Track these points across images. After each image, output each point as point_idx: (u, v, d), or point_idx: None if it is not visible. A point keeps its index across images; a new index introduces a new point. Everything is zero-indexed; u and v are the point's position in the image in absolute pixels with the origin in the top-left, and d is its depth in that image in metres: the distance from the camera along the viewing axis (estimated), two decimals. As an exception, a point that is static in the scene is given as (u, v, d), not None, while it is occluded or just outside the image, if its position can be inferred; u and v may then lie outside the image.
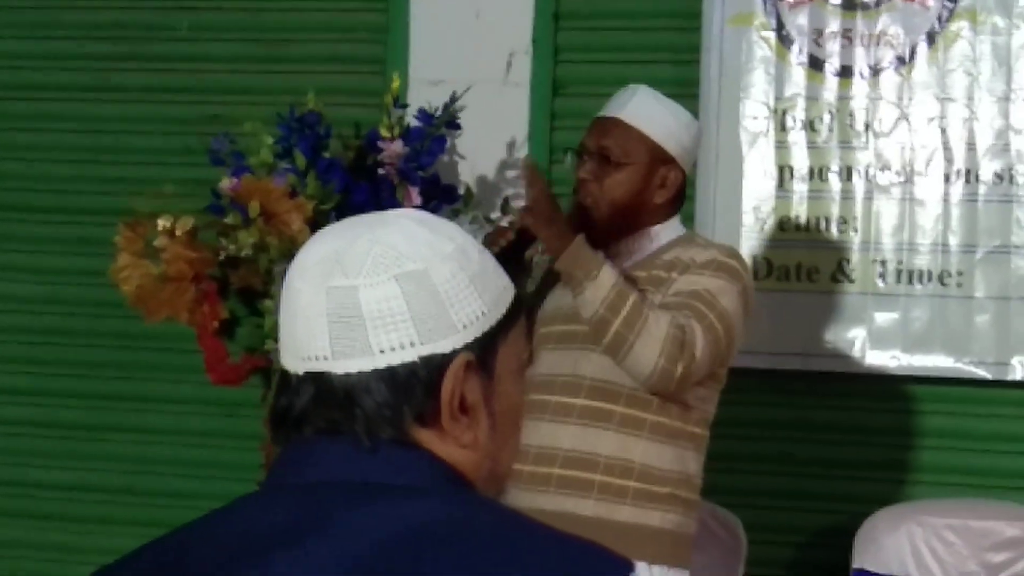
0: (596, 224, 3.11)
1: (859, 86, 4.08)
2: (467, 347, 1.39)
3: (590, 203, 3.13)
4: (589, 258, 2.99)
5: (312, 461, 1.37)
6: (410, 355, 1.36)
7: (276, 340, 3.86)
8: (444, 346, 1.37)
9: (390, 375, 1.36)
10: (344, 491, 1.34)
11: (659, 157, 3.16)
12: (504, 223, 3.29)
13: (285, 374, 1.40)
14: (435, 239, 1.40)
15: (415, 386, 1.37)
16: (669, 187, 3.17)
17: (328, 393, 1.37)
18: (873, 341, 4.07)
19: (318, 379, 1.37)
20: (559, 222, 3.04)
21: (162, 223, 3.87)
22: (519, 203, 3.49)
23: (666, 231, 3.19)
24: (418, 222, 1.42)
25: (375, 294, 1.36)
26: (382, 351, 1.36)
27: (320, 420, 1.37)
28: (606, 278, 2.97)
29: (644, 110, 3.17)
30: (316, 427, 1.38)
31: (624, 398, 3.05)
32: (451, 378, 1.38)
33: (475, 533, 1.31)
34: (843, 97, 4.08)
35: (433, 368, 1.37)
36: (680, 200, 3.22)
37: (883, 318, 4.06)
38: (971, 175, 4.03)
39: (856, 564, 3.82)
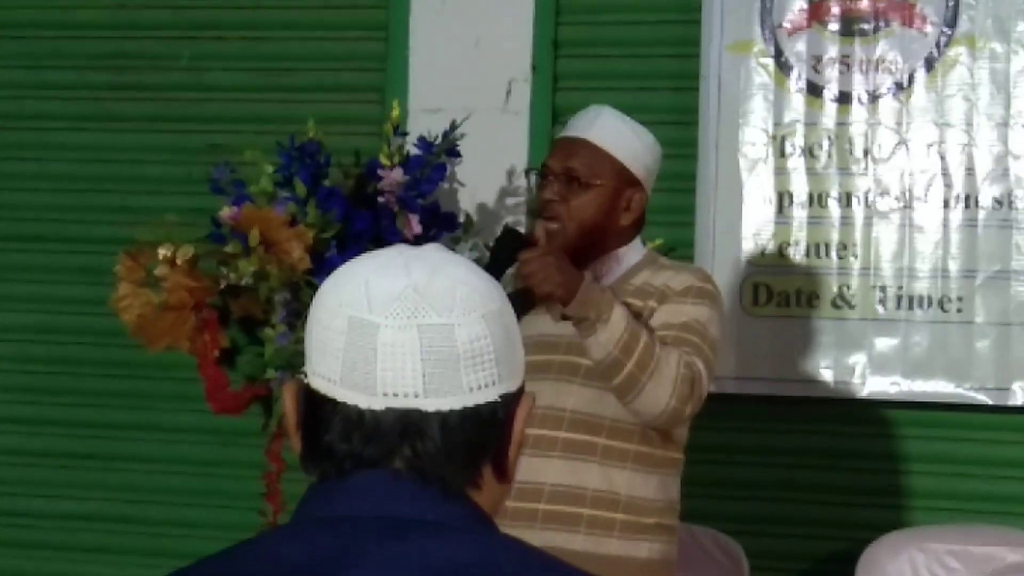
0: (561, 247, 3.04)
1: (858, 112, 4.09)
2: (522, 385, 1.44)
3: (556, 226, 3.07)
4: (599, 299, 2.92)
5: (348, 495, 1.37)
6: (493, 394, 1.39)
7: (277, 369, 3.87)
8: (513, 384, 1.42)
9: (476, 413, 1.38)
10: (374, 526, 1.35)
11: (625, 179, 3.11)
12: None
13: (332, 406, 1.39)
14: (489, 277, 1.44)
15: (495, 425, 1.40)
16: (634, 209, 3.13)
17: (413, 429, 1.37)
18: (873, 367, 4.07)
19: (404, 415, 1.37)
20: (566, 267, 2.95)
21: (163, 252, 3.87)
22: (520, 229, 3.47)
23: (630, 253, 3.15)
24: (460, 258, 1.45)
25: (468, 333, 1.38)
26: (471, 389, 1.38)
27: (378, 454, 1.37)
28: (618, 319, 2.90)
29: (611, 131, 3.13)
30: (359, 460, 1.38)
31: (606, 430, 3.02)
32: (522, 416, 1.43)
33: (503, 575, 1.32)
34: (842, 123, 4.09)
35: (508, 406, 1.41)
36: (642, 222, 3.17)
37: (883, 344, 4.06)
38: (970, 200, 4.03)
39: (858, 590, 3.81)
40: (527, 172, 3.28)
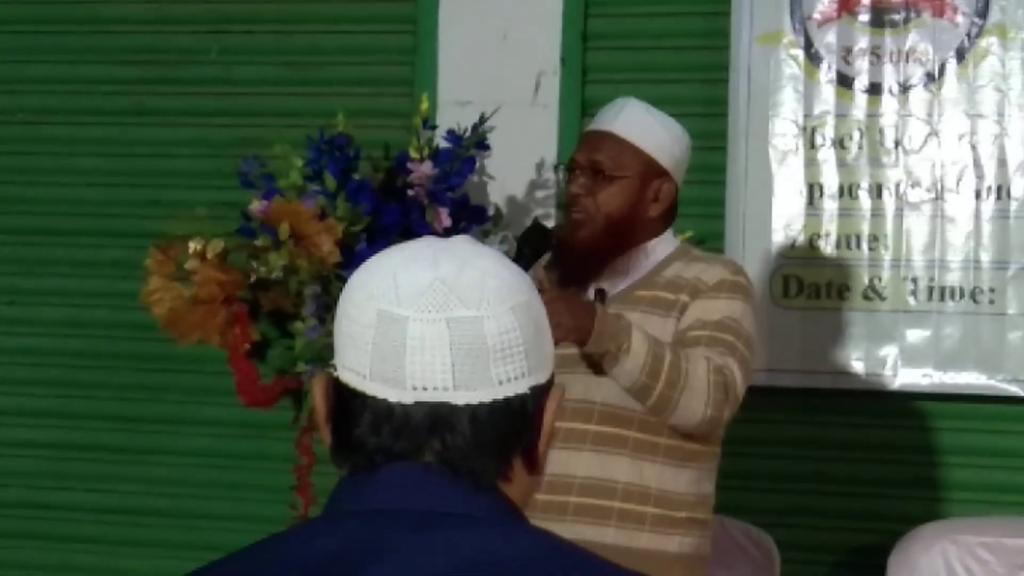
0: (590, 240, 3.05)
1: (888, 103, 4.07)
2: (551, 377, 1.43)
3: (583, 218, 3.06)
4: (617, 329, 2.88)
5: (378, 489, 1.37)
6: (523, 386, 1.39)
7: (307, 362, 3.88)
8: (543, 376, 1.41)
9: (506, 406, 1.38)
10: (405, 519, 1.35)
11: (652, 170, 3.10)
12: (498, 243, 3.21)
13: (361, 400, 1.39)
14: (518, 269, 1.44)
15: (525, 417, 1.39)
16: (663, 200, 3.12)
17: (442, 423, 1.37)
18: (905, 359, 4.06)
19: (433, 409, 1.37)
20: (576, 307, 2.90)
21: (193, 246, 3.88)
22: (547, 224, 3.46)
23: (661, 246, 3.14)
24: (489, 249, 1.44)
25: (498, 326, 1.37)
26: (501, 382, 1.37)
27: (409, 447, 1.37)
28: (639, 345, 2.87)
29: (635, 123, 3.12)
30: (389, 454, 1.37)
31: (636, 423, 3.01)
32: (551, 408, 1.42)
33: (534, 568, 1.33)
34: (872, 114, 4.08)
35: (538, 398, 1.40)
36: (673, 213, 3.16)
37: (915, 335, 4.05)
38: (1002, 191, 4.02)
39: (890, 583, 3.80)
40: (556, 168, 3.26)
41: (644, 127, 3.13)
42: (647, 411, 2.94)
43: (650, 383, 2.88)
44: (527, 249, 3.04)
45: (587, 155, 3.11)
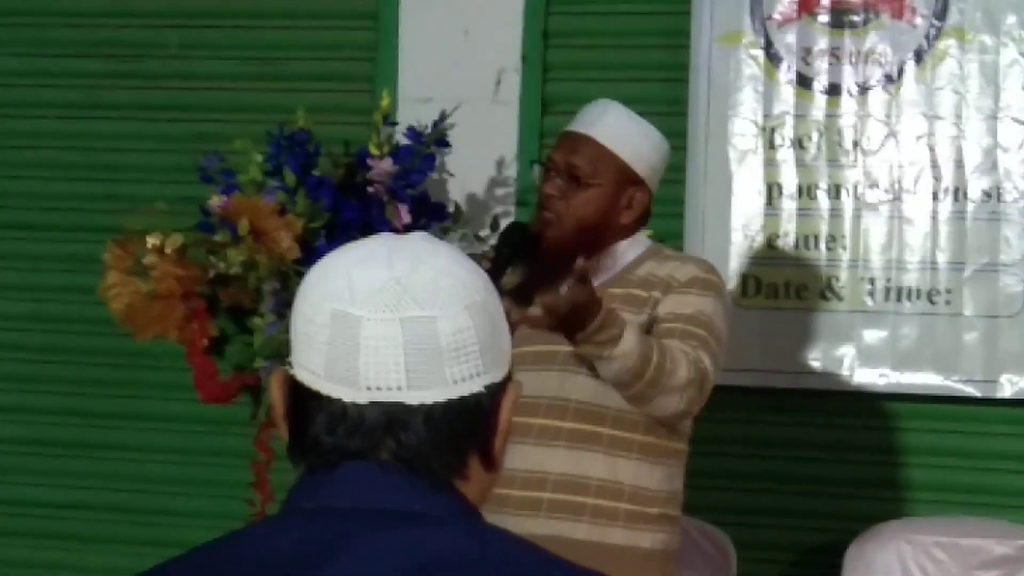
0: (558, 241, 3.04)
1: (847, 104, 4.09)
2: (508, 374, 1.43)
3: (552, 219, 3.06)
4: (612, 322, 2.83)
5: (334, 487, 1.37)
6: (478, 385, 1.39)
7: (265, 358, 3.87)
8: (499, 374, 1.42)
9: (460, 405, 1.38)
10: (362, 517, 1.35)
11: (627, 178, 3.10)
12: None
13: (316, 399, 1.39)
14: (474, 266, 1.43)
15: (480, 415, 1.40)
16: (635, 208, 3.12)
17: (396, 423, 1.37)
18: (862, 359, 4.08)
19: (387, 409, 1.37)
20: (589, 305, 2.83)
21: (151, 241, 3.87)
22: (506, 221, 3.47)
23: (633, 247, 3.14)
24: (446, 246, 1.44)
25: (451, 325, 1.37)
26: (455, 381, 1.37)
27: (364, 447, 1.37)
28: (628, 341, 2.82)
29: (616, 129, 3.12)
30: (345, 453, 1.37)
31: (611, 420, 3.02)
32: (508, 405, 1.42)
33: (492, 566, 1.33)
34: (831, 115, 4.09)
35: (493, 396, 1.41)
36: (645, 218, 3.17)
37: (872, 336, 4.07)
38: (959, 193, 4.04)
39: (845, 582, 3.82)
40: (532, 163, 3.26)
41: (624, 134, 3.12)
42: (624, 398, 2.93)
43: (631, 382, 2.87)
44: (506, 248, 3.04)
45: (565, 157, 3.10)
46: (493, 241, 3.41)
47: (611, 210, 3.10)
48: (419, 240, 1.43)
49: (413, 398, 1.36)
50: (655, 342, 2.92)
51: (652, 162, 3.14)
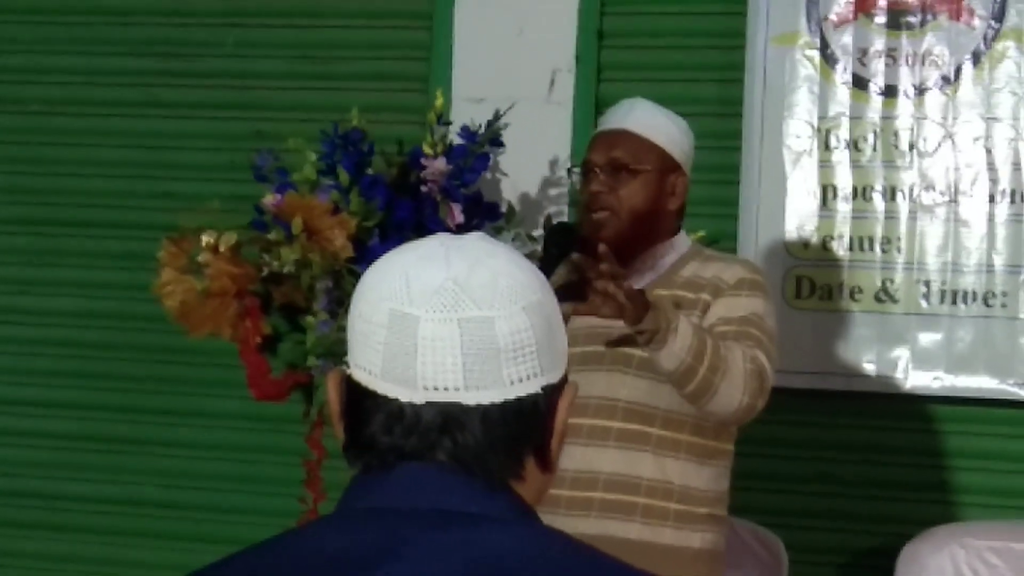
0: (615, 237, 3.03)
1: (904, 105, 4.07)
2: (565, 375, 1.43)
3: (605, 216, 3.07)
4: (667, 308, 2.87)
5: (390, 487, 1.37)
6: (535, 386, 1.39)
7: (318, 357, 3.88)
8: (555, 375, 1.41)
9: (517, 405, 1.38)
10: (418, 518, 1.35)
11: (668, 164, 3.13)
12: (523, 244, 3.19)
13: (373, 399, 1.39)
14: (531, 267, 1.43)
15: (537, 416, 1.39)
16: (679, 194, 3.15)
17: (453, 423, 1.37)
18: (916, 362, 4.05)
19: (444, 409, 1.37)
20: (632, 292, 2.85)
21: (206, 239, 3.89)
22: (559, 219, 3.46)
23: (677, 245, 3.16)
24: (503, 247, 1.44)
25: (509, 325, 1.37)
26: (512, 382, 1.37)
27: (420, 447, 1.37)
28: (685, 327, 2.85)
29: (648, 119, 3.16)
30: (401, 453, 1.38)
31: (659, 420, 3.03)
32: (564, 406, 1.41)
33: (547, 567, 1.33)
34: (887, 116, 4.07)
35: (550, 397, 1.40)
36: (685, 209, 3.19)
37: (927, 339, 4.04)
38: (1016, 195, 4.01)
39: (898, 586, 3.79)
40: (569, 170, 3.26)
41: (657, 123, 3.16)
42: (686, 397, 2.93)
43: (695, 364, 2.86)
44: (553, 248, 3.05)
45: (605, 153, 3.12)
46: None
47: (660, 196, 3.12)
48: (477, 240, 1.43)
49: (470, 398, 1.36)
50: (708, 331, 2.92)
51: (685, 148, 3.18)
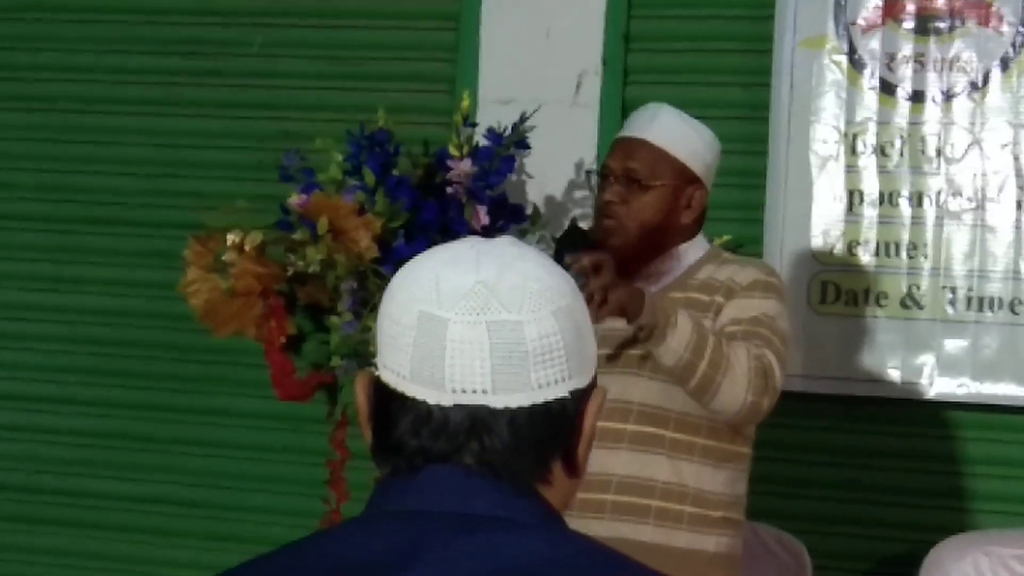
0: (622, 247, 3.05)
1: (931, 111, 4.05)
2: (593, 380, 1.43)
3: (615, 225, 3.07)
4: (664, 305, 2.90)
5: (418, 490, 1.38)
6: (563, 390, 1.39)
7: (342, 357, 3.88)
8: (584, 380, 1.41)
9: (545, 409, 1.38)
10: (444, 521, 1.35)
11: (685, 177, 3.11)
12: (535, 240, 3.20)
13: (401, 401, 1.39)
14: (561, 272, 1.43)
15: (565, 421, 1.39)
16: (695, 207, 3.13)
17: (481, 426, 1.37)
18: (942, 368, 4.04)
19: (472, 412, 1.37)
20: (627, 285, 2.90)
21: (231, 238, 3.90)
22: (584, 224, 3.46)
23: (692, 249, 3.15)
24: (533, 251, 1.44)
25: (538, 329, 1.37)
26: (540, 386, 1.37)
27: (448, 449, 1.37)
28: (684, 322, 2.87)
29: (669, 130, 3.13)
30: (428, 455, 1.38)
31: (673, 423, 3.03)
32: (592, 411, 1.42)
33: (572, 572, 1.33)
34: (915, 122, 4.06)
35: (578, 402, 1.40)
36: (703, 218, 3.18)
37: (952, 345, 4.03)
38: (1044, 202, 3.99)
39: (921, 593, 3.78)
40: (588, 174, 3.25)
41: (678, 134, 3.14)
42: (690, 395, 2.93)
43: (694, 360, 2.87)
44: (566, 251, 3.04)
45: (621, 162, 3.12)
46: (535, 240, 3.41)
47: (672, 211, 3.11)
48: (507, 244, 1.43)
49: (498, 402, 1.36)
50: (712, 329, 2.92)
51: (707, 160, 3.15)
